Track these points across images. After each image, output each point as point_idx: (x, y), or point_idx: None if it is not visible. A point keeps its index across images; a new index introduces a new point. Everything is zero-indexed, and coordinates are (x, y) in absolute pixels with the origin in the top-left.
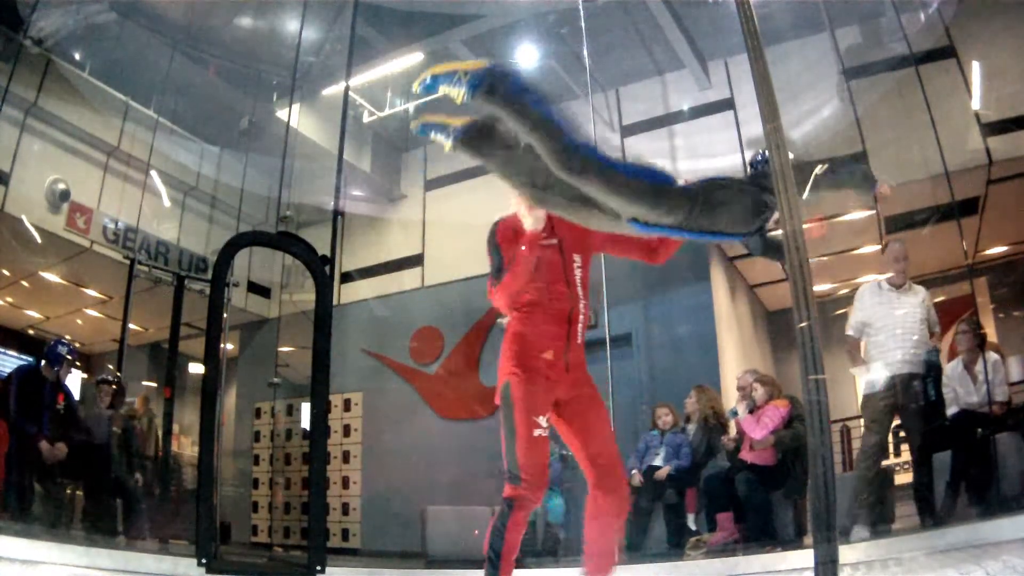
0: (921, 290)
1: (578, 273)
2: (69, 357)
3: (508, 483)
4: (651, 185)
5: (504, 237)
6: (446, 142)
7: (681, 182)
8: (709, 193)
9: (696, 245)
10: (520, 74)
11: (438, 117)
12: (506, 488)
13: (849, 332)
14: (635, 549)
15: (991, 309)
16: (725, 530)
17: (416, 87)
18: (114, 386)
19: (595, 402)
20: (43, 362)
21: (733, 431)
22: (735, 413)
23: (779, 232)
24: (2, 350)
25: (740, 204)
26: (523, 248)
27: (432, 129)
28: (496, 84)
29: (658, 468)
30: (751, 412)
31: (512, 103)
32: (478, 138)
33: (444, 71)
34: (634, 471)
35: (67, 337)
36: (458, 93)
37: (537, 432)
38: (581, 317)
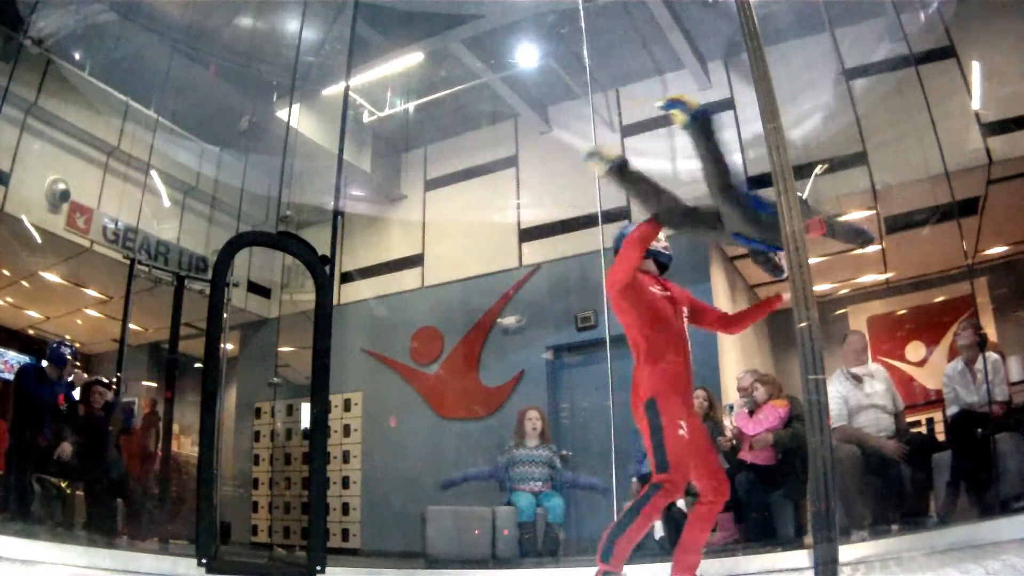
0: (881, 371)
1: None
2: (71, 358)
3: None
4: (758, 209)
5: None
6: (601, 168)
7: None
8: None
9: (696, 244)
10: (716, 122)
11: (600, 149)
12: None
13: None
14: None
15: (991, 309)
16: (725, 530)
17: (660, 103)
18: (112, 388)
19: None
20: (45, 363)
21: (729, 430)
22: (731, 408)
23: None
24: (2, 350)
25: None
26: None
27: (593, 158)
28: (705, 123)
29: None
30: (751, 412)
31: (709, 138)
32: (623, 170)
33: (682, 99)
34: (633, 479)
35: (68, 337)
36: (683, 118)
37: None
38: None
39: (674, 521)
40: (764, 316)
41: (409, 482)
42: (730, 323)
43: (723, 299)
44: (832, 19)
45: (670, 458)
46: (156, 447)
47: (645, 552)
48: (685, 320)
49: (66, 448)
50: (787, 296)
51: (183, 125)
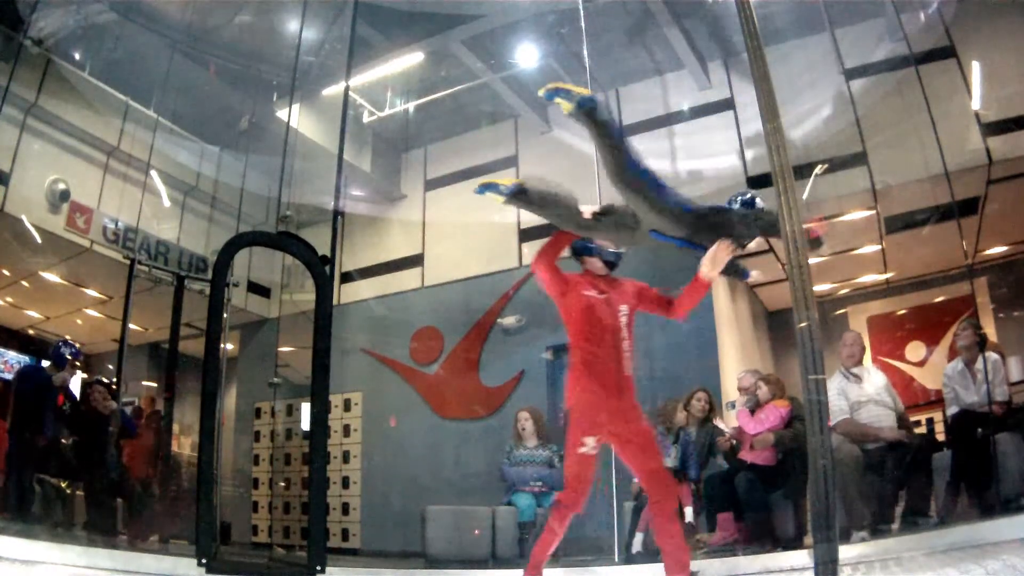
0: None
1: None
2: (72, 358)
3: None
4: (675, 205)
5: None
6: (499, 198)
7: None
8: (710, 218)
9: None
10: (606, 107)
11: (493, 179)
12: None
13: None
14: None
15: (991, 309)
16: (725, 530)
17: (542, 92)
18: (112, 388)
19: None
20: (47, 363)
21: (728, 428)
22: (733, 406)
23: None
24: (2, 350)
25: (730, 234)
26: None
27: (489, 189)
28: (594, 109)
29: (672, 470)
30: (752, 411)
31: (599, 123)
32: (522, 194)
33: (565, 88)
34: (635, 480)
35: (69, 338)
36: (568, 106)
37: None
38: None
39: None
40: (701, 296)
41: (409, 482)
42: (672, 308)
43: (723, 299)
44: (832, 19)
45: (567, 475)
46: (160, 447)
47: (647, 552)
48: (624, 320)
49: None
50: (705, 271)
51: (183, 125)
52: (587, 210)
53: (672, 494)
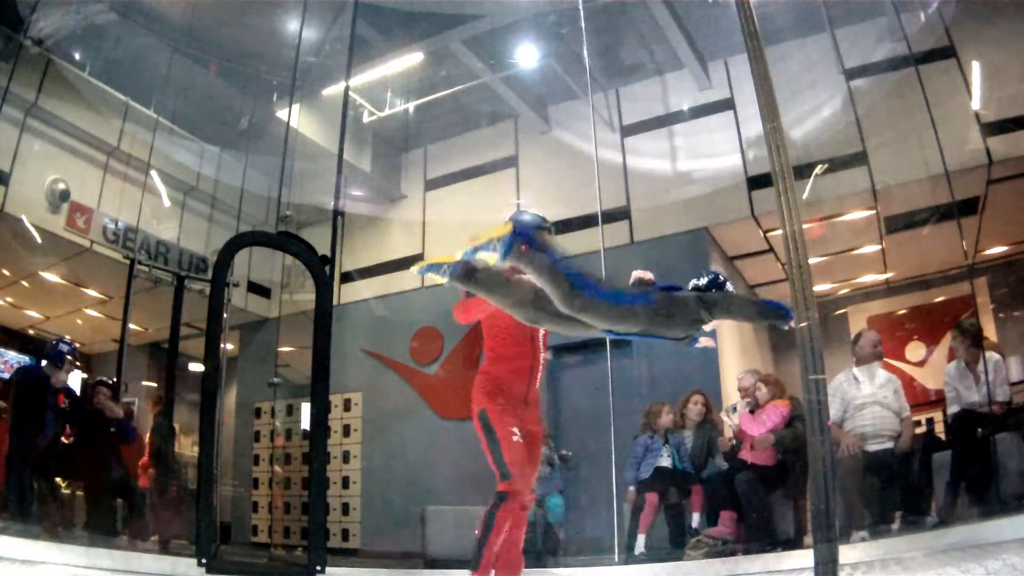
0: (892, 377)
1: (542, 332)
2: (70, 357)
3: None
4: (630, 308)
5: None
6: (442, 279)
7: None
8: (666, 308)
9: (697, 243)
10: (536, 231)
11: (434, 258)
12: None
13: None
14: (634, 550)
15: (991, 309)
16: (726, 527)
17: (454, 258)
18: (109, 386)
19: None
20: (44, 362)
21: (729, 432)
22: (735, 409)
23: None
24: (2, 350)
25: (685, 319)
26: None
27: (431, 270)
28: (521, 246)
29: (667, 469)
30: (752, 412)
31: (532, 259)
32: (469, 275)
33: (480, 243)
34: (630, 488)
35: (68, 337)
36: (493, 258)
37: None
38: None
39: (674, 520)
40: None
41: (409, 482)
42: None
43: None
44: (832, 19)
45: (508, 464)
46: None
47: (654, 549)
48: (542, 333)
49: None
50: (636, 273)
51: (183, 125)
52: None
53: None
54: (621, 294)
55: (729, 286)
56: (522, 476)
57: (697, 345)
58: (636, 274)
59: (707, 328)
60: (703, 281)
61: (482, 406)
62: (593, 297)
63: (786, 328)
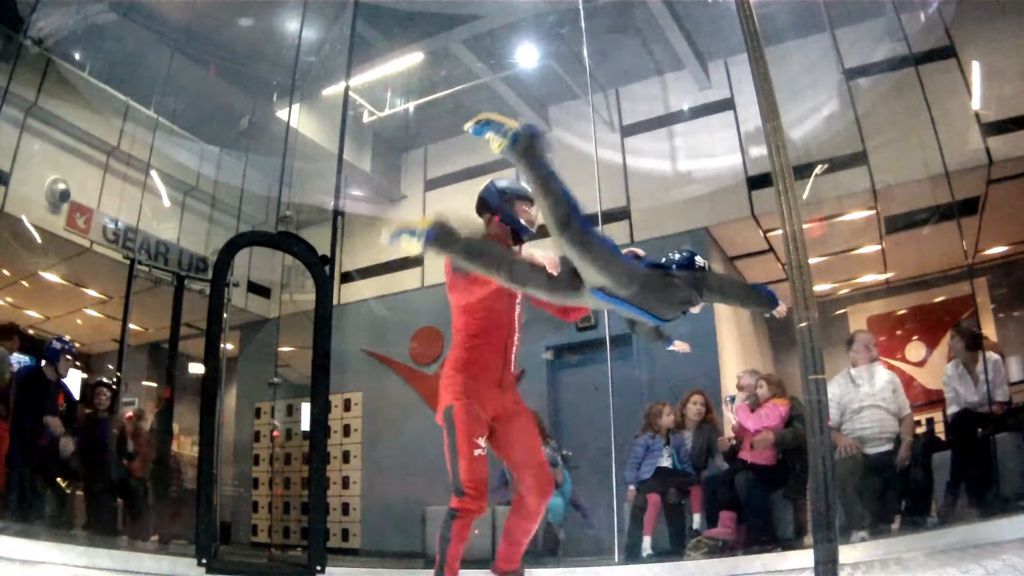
0: (892, 376)
1: (517, 309)
2: (66, 354)
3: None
4: (621, 263)
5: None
6: (416, 244)
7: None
8: (657, 279)
9: (696, 240)
10: (546, 142)
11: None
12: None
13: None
14: (635, 550)
15: (991, 309)
16: (726, 528)
17: (468, 127)
18: (112, 388)
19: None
20: (43, 362)
21: (729, 430)
22: (732, 399)
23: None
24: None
25: (675, 297)
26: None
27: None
28: (529, 146)
29: (667, 469)
30: (752, 410)
31: (536, 162)
32: (447, 239)
33: (496, 119)
34: (630, 487)
35: (67, 336)
36: (500, 143)
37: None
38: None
39: (674, 521)
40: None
41: (409, 482)
42: (565, 310)
43: None
44: (832, 19)
45: (464, 481)
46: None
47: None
48: (519, 307)
49: (68, 445)
50: (628, 250)
51: (183, 125)
52: (550, 263)
53: (548, 494)
54: (615, 245)
55: (699, 260)
56: (478, 495)
57: (671, 348)
58: (628, 251)
59: (694, 311)
60: (678, 256)
61: (449, 401)
62: (587, 232)
63: (769, 316)
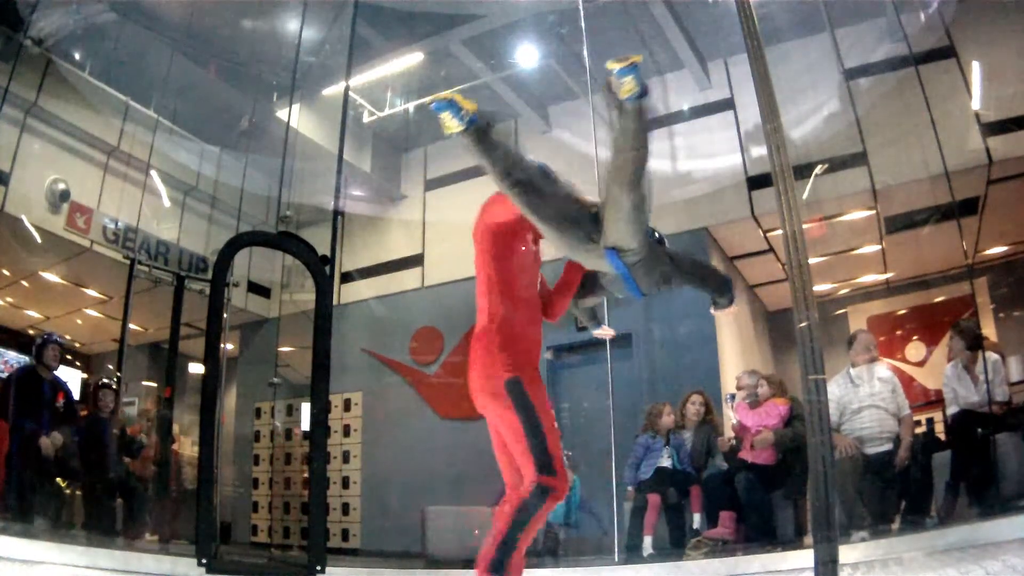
0: (891, 375)
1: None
2: (50, 345)
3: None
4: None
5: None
6: (457, 124)
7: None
8: (656, 251)
9: (696, 240)
10: (502, 134)
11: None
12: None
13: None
14: (634, 550)
15: (991, 309)
16: (726, 528)
17: (429, 101)
18: (113, 389)
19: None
20: (36, 361)
21: (729, 430)
22: (732, 397)
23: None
24: (2, 350)
25: (655, 273)
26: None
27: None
28: (481, 132)
29: (667, 469)
30: (752, 408)
31: (492, 149)
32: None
33: (457, 101)
34: (629, 488)
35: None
36: (456, 125)
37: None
38: None
39: (674, 521)
40: (571, 295)
41: (409, 482)
42: (549, 310)
43: None
44: (832, 19)
45: (556, 457)
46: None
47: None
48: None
49: (57, 438)
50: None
51: (183, 125)
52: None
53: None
54: None
55: (657, 233)
56: (563, 473)
57: (596, 332)
58: None
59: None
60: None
61: (512, 373)
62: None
63: (715, 312)
